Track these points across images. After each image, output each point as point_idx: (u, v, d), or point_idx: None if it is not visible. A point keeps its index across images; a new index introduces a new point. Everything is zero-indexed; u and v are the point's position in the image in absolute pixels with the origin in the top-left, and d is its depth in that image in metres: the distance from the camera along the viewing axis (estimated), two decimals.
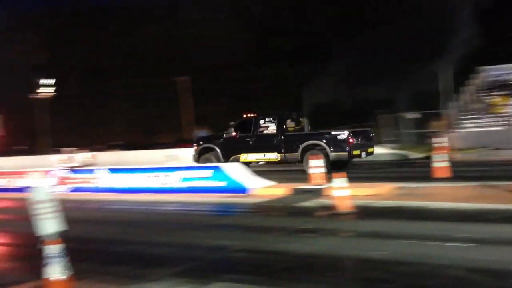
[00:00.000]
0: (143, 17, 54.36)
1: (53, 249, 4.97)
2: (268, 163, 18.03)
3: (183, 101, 50.09)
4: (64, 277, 5.04)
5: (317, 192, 11.62)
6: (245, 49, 53.23)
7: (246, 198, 12.63)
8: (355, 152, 16.08)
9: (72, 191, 16.01)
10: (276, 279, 5.92)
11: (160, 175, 14.77)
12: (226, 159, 17.76)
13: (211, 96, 53.47)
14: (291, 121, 17.94)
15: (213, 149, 18.35)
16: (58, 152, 24.57)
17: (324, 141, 16.21)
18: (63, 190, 16.09)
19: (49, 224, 5.01)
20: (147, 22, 53.76)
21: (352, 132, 16.66)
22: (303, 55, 50.69)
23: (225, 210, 12.16)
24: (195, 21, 55.41)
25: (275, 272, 6.23)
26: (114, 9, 58.06)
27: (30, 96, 42.77)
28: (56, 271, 4.96)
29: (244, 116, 18.64)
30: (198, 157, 18.65)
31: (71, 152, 22.39)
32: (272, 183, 13.61)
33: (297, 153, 16.64)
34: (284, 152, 16.93)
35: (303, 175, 14.14)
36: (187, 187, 14.11)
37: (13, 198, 16.82)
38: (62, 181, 16.43)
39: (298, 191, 12.26)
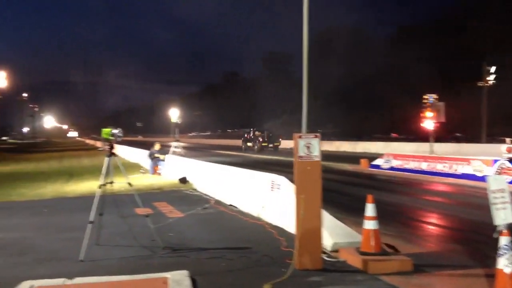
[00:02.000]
0: None
1: (505, 240, 4.86)
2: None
3: None
4: (509, 271, 4.88)
5: None
6: None
7: None
8: (264, 144, 46.42)
9: (510, 182, 15.30)
10: None
11: None
12: (245, 145, 49.26)
13: None
14: (258, 131, 47.87)
15: (244, 141, 49.71)
16: (502, 141, 23.73)
17: (259, 138, 47.39)
18: None
19: (503, 214, 4.92)
20: None
21: (264, 134, 47.63)
22: None
23: None
24: None
25: None
26: None
27: (478, 84, 42.35)
28: (504, 263, 4.85)
29: (251, 128, 49.98)
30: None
31: None
32: None
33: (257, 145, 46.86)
34: (253, 143, 47.38)
35: None
36: None
37: (451, 183, 17.39)
38: (504, 171, 15.90)
39: None
